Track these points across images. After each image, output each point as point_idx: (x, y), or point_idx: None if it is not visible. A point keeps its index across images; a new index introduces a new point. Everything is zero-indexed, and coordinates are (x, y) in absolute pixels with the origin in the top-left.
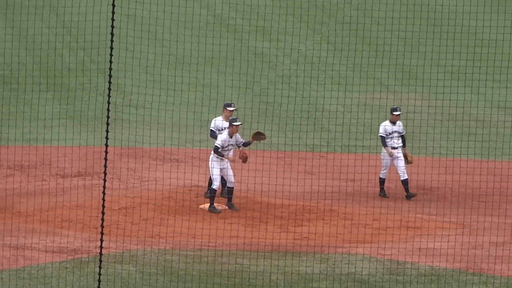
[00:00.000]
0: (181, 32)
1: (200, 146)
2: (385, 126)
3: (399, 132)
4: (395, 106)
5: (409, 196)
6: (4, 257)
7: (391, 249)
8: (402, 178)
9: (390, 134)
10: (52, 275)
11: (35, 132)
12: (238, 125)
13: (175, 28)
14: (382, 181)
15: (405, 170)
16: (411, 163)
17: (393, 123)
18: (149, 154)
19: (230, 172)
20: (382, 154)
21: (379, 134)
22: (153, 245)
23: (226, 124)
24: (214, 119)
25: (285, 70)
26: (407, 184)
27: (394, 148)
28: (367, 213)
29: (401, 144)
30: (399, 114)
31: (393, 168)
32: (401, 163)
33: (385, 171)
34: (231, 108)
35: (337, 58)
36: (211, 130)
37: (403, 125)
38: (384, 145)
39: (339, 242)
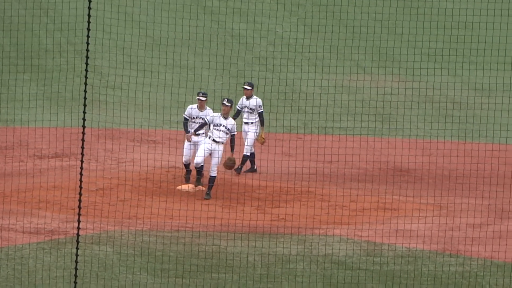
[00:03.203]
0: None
1: (177, 128)
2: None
3: (250, 108)
4: (246, 81)
5: (239, 170)
6: None
7: (368, 231)
8: (244, 153)
9: (241, 108)
10: (29, 256)
11: (12, 113)
12: (198, 99)
13: (152, 9)
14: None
15: (250, 147)
16: (262, 143)
17: (247, 98)
18: (126, 135)
19: (200, 153)
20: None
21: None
22: (130, 226)
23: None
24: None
25: (262, 52)
26: (244, 162)
27: (246, 123)
28: (344, 195)
29: (254, 120)
30: (250, 89)
31: (370, 150)
32: (249, 139)
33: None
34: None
35: (314, 40)
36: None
37: (259, 104)
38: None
39: (316, 224)
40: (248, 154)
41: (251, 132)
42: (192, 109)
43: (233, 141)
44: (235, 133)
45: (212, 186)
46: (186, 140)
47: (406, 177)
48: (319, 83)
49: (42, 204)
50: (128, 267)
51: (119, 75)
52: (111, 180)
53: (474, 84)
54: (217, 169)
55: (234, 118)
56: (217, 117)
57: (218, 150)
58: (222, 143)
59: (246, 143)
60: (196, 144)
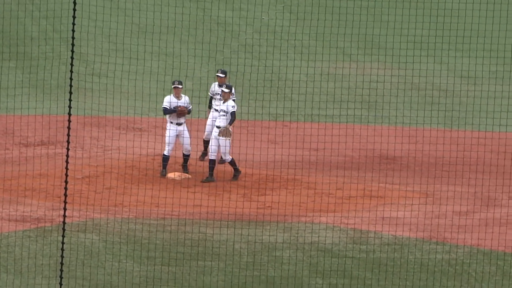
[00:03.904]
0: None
1: (163, 115)
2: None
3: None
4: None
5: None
6: None
7: (355, 218)
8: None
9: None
10: (15, 243)
11: None
12: (174, 87)
13: None
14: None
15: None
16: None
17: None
18: (112, 123)
19: (187, 141)
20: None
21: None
22: (116, 214)
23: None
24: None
25: (248, 40)
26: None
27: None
28: (330, 182)
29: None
30: (222, 77)
31: (356, 137)
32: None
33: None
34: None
35: (300, 27)
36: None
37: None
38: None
39: (302, 211)
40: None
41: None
42: (170, 102)
43: (233, 116)
44: (234, 110)
45: (237, 169)
46: (172, 134)
47: (392, 165)
48: (305, 71)
49: (28, 192)
50: (114, 254)
51: (105, 63)
52: (97, 168)
53: (460, 71)
54: (230, 152)
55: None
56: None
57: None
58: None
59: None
60: (179, 136)
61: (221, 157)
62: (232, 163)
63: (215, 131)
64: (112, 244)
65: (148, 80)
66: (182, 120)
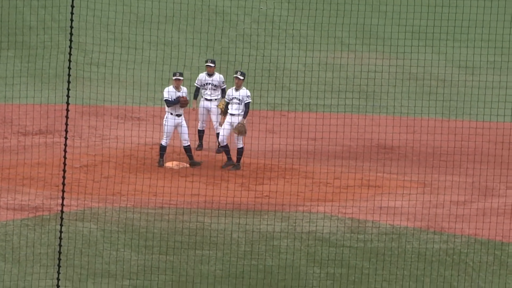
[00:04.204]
0: None
1: (161, 104)
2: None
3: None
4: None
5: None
6: None
7: (352, 208)
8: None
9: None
10: (13, 232)
11: None
12: (176, 79)
13: None
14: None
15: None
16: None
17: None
18: (110, 112)
19: (185, 130)
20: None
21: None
22: (114, 203)
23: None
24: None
25: (246, 29)
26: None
27: (232, 114)
28: (328, 172)
29: (239, 112)
30: (212, 67)
31: (354, 127)
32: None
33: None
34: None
35: (298, 17)
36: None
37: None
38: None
39: (300, 201)
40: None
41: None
42: (169, 92)
43: (246, 108)
44: (249, 101)
45: (240, 158)
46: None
47: (390, 155)
48: (303, 60)
49: (26, 180)
50: (112, 243)
51: (103, 52)
52: (95, 157)
53: (458, 61)
54: (242, 140)
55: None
56: (229, 91)
57: (232, 123)
58: (239, 114)
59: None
60: (177, 127)
61: (218, 145)
62: (240, 152)
63: (229, 118)
64: (110, 233)
65: (146, 70)
66: (181, 111)
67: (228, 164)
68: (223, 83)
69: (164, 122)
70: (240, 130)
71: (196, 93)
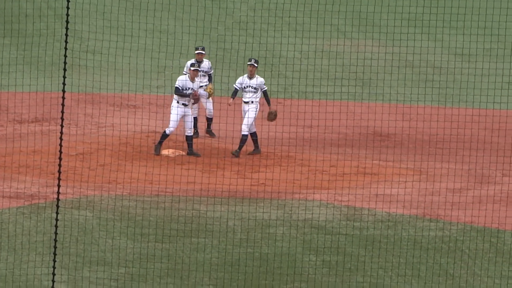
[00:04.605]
0: None
1: (157, 92)
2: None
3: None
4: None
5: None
6: None
7: (348, 195)
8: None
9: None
10: (9, 220)
11: None
12: (194, 70)
13: None
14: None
15: (248, 126)
16: (210, 94)
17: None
18: (106, 100)
19: (189, 119)
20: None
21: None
22: (110, 190)
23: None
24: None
25: (242, 17)
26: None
27: (246, 102)
28: (324, 160)
29: (255, 99)
30: (203, 54)
31: (350, 114)
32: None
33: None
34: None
35: (294, 4)
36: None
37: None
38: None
39: (296, 188)
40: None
41: (251, 111)
42: (181, 81)
43: (266, 95)
44: (265, 88)
45: (243, 145)
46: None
47: (386, 142)
48: (299, 48)
49: (22, 168)
50: (108, 231)
51: (99, 40)
52: (91, 145)
53: (454, 49)
54: (248, 128)
55: (232, 97)
56: (244, 80)
57: (248, 110)
58: (253, 102)
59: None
60: (184, 115)
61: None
62: (254, 135)
63: (244, 106)
64: (106, 221)
65: (142, 57)
66: (187, 101)
67: (256, 151)
68: (210, 69)
69: (171, 111)
70: (273, 117)
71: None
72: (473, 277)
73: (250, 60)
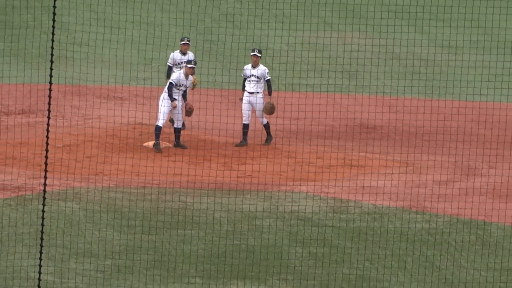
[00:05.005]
0: None
1: (144, 84)
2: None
3: (256, 76)
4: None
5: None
6: None
7: (334, 187)
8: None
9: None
10: None
11: None
12: (190, 67)
13: None
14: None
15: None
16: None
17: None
18: (93, 92)
19: (178, 110)
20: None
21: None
22: (96, 182)
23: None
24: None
25: (229, 9)
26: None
27: (251, 93)
28: (311, 152)
29: (261, 90)
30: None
31: (337, 106)
32: (258, 110)
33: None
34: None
35: None
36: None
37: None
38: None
39: (282, 180)
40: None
41: (259, 103)
42: (179, 77)
43: (269, 86)
44: (269, 77)
45: (269, 132)
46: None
47: (372, 134)
48: (286, 40)
49: (9, 160)
50: (95, 223)
51: (86, 32)
52: (78, 137)
53: (441, 41)
54: (262, 115)
55: (243, 89)
56: (247, 70)
57: (256, 103)
58: (257, 92)
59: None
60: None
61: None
62: (267, 126)
63: (247, 96)
64: (93, 213)
65: (129, 49)
66: (176, 95)
67: (269, 140)
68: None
69: (160, 103)
70: (271, 110)
71: (169, 72)
72: (460, 269)
73: (253, 51)
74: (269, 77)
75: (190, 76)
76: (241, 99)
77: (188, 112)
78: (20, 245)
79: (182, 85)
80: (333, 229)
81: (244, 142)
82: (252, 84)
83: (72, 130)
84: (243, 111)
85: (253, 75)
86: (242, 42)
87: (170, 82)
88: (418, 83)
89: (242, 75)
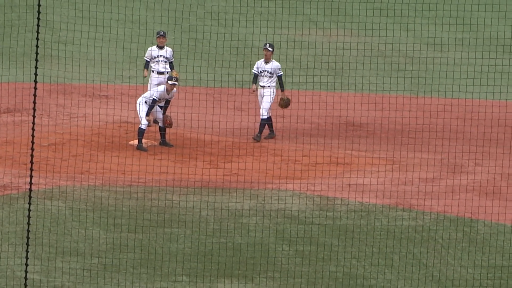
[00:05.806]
0: None
1: (129, 83)
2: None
3: (268, 71)
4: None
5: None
6: None
7: (321, 185)
8: (261, 117)
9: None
10: None
11: None
12: (172, 84)
13: None
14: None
15: (267, 111)
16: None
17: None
18: (78, 91)
19: (159, 108)
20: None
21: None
22: (82, 181)
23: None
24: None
25: (214, 7)
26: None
27: (262, 86)
28: (297, 149)
29: (270, 84)
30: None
31: (322, 104)
32: (265, 102)
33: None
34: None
35: None
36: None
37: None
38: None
39: (269, 178)
40: (266, 117)
41: (266, 95)
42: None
43: (281, 81)
44: (281, 73)
45: (263, 129)
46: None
47: (358, 132)
48: (271, 38)
49: None
50: (81, 222)
51: (71, 30)
52: (63, 135)
53: (426, 38)
54: (268, 112)
55: (254, 83)
56: (260, 65)
57: (263, 95)
58: (269, 86)
59: (262, 107)
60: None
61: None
62: (269, 120)
63: (260, 89)
64: (79, 212)
65: (114, 48)
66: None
67: (271, 135)
68: (172, 56)
69: (138, 108)
70: (286, 104)
71: (146, 67)
72: (446, 266)
73: (265, 45)
74: (281, 73)
75: (174, 90)
76: (254, 92)
77: (168, 126)
78: (6, 244)
79: (164, 99)
80: (320, 227)
81: (271, 133)
82: (265, 79)
83: (57, 128)
84: (266, 109)
85: (265, 70)
86: (227, 40)
87: (153, 99)
88: (403, 81)
89: (253, 71)
